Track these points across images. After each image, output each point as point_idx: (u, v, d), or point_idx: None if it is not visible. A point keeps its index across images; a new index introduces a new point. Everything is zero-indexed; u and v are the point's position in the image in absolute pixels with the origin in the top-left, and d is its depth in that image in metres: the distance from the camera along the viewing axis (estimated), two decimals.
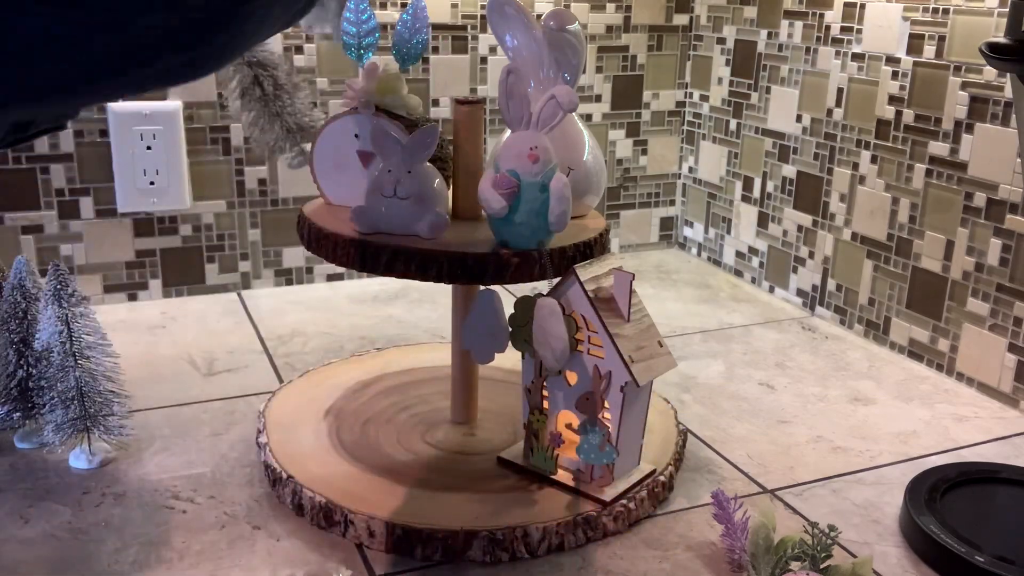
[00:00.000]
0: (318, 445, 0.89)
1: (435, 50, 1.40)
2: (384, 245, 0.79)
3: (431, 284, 1.37)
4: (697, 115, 1.59)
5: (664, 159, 1.63)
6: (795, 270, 1.40)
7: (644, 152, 1.61)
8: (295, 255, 1.41)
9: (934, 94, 1.14)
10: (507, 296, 1.26)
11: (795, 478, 0.92)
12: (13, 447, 0.93)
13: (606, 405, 0.79)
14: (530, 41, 0.79)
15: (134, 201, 1.30)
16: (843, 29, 1.27)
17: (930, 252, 1.17)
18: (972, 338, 1.12)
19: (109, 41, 0.41)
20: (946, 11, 1.12)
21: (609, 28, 1.52)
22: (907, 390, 1.12)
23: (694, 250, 1.63)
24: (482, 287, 0.83)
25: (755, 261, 1.48)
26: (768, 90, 1.41)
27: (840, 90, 1.28)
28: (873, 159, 1.24)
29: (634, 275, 0.78)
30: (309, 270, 1.43)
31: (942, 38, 1.13)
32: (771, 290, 1.45)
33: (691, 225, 1.63)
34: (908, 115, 1.18)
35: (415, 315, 1.32)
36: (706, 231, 1.60)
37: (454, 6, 1.40)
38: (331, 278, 1.45)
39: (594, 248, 0.84)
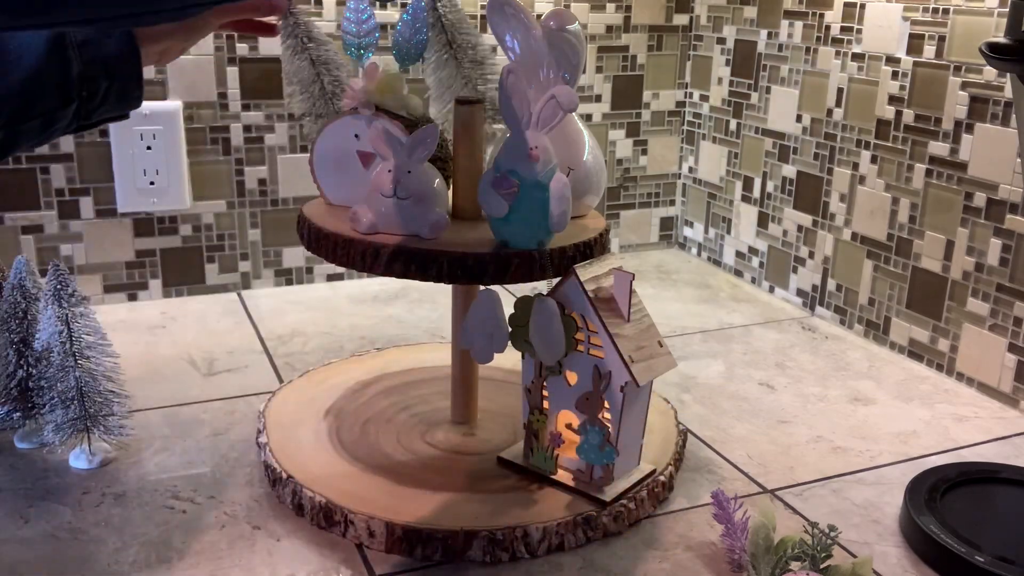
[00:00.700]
0: (318, 445, 0.89)
1: None
2: (384, 245, 0.79)
3: (431, 284, 1.36)
4: (697, 115, 1.59)
5: (664, 159, 1.63)
6: (795, 270, 1.40)
7: (644, 152, 1.61)
8: (295, 255, 1.41)
9: (934, 94, 1.14)
10: (507, 296, 1.26)
11: (795, 478, 0.92)
12: (13, 447, 0.93)
13: (606, 405, 0.79)
14: (530, 41, 0.79)
15: (134, 201, 1.30)
16: (843, 29, 1.27)
17: (930, 252, 1.17)
18: (972, 338, 1.12)
19: None
20: (946, 11, 1.12)
21: (609, 28, 1.52)
22: (907, 390, 1.12)
23: (694, 250, 1.63)
24: (482, 287, 0.83)
25: (755, 261, 1.48)
26: (768, 90, 1.41)
27: (840, 90, 1.28)
28: (873, 159, 1.24)
29: (634, 275, 0.78)
30: (309, 270, 1.43)
31: (942, 38, 1.13)
32: (771, 290, 1.45)
33: (691, 225, 1.63)
34: (908, 115, 1.18)
35: (415, 315, 1.32)
36: (706, 231, 1.60)
37: None
38: (331, 278, 1.45)
39: (594, 248, 0.84)
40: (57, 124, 0.70)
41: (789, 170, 1.39)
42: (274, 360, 1.16)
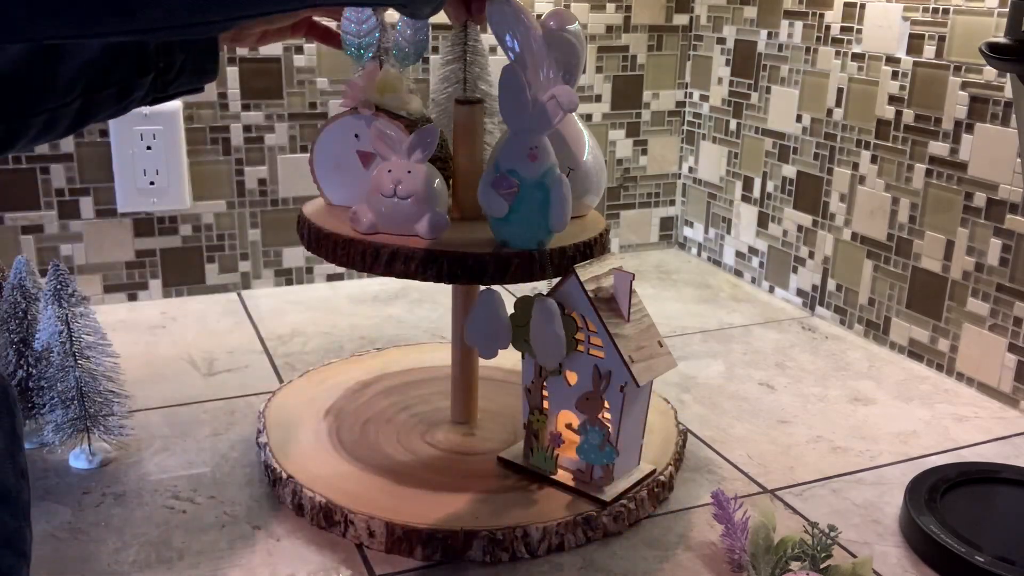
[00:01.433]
0: (318, 445, 0.89)
1: (435, 50, 1.40)
2: (384, 245, 0.79)
3: (431, 284, 1.37)
4: (697, 115, 1.59)
5: (664, 159, 1.63)
6: (795, 270, 1.40)
7: (644, 152, 1.61)
8: (295, 255, 1.41)
9: (934, 94, 1.14)
10: (507, 296, 1.25)
11: (795, 478, 0.92)
12: None
13: (606, 405, 0.79)
14: (530, 41, 0.79)
15: (134, 201, 1.30)
16: (843, 29, 1.27)
17: (930, 252, 1.17)
18: (972, 338, 1.12)
19: None
20: (946, 11, 1.12)
21: (609, 28, 1.52)
22: (907, 390, 1.12)
23: (694, 250, 1.63)
24: (483, 287, 0.83)
25: (755, 261, 1.48)
26: (768, 90, 1.41)
27: (840, 90, 1.28)
28: (873, 159, 1.24)
29: (634, 275, 0.78)
30: (309, 270, 1.43)
31: (942, 38, 1.13)
32: (771, 290, 1.45)
33: (691, 225, 1.63)
34: (908, 115, 1.18)
35: (415, 315, 1.32)
36: (706, 231, 1.60)
37: None
38: (331, 278, 1.45)
39: (594, 248, 0.84)
40: (134, 94, 0.71)
41: (789, 170, 1.39)
42: (274, 360, 1.16)
